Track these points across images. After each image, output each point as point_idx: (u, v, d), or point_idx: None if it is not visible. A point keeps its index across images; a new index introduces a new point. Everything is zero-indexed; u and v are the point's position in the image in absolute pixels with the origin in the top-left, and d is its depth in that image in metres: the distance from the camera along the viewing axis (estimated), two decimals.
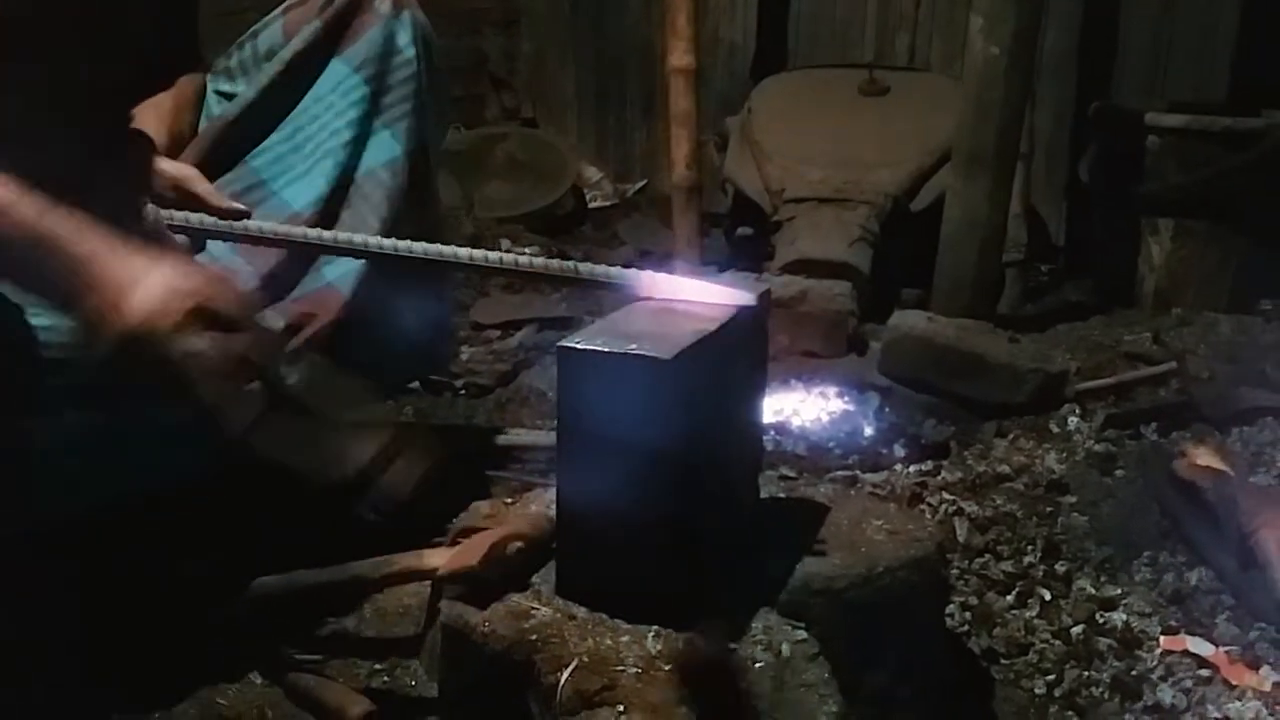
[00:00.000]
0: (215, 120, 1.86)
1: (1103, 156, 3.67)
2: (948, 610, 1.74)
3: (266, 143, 1.84)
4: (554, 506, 1.36)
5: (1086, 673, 1.68)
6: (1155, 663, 1.70)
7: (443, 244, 1.57)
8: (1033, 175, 3.71)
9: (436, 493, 1.73)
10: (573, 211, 4.50)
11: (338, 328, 1.75)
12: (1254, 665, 1.68)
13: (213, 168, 1.77)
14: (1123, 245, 3.61)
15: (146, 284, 1.27)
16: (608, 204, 4.70)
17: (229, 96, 1.89)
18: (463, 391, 2.72)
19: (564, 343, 1.25)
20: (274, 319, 1.68)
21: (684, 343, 1.25)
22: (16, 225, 1.24)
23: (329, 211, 1.80)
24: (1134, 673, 1.68)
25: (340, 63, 1.83)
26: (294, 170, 1.82)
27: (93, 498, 1.48)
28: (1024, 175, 3.50)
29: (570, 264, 1.57)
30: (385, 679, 1.55)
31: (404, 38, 1.86)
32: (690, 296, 1.40)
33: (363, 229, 1.73)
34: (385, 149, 1.84)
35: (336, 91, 1.83)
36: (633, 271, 1.47)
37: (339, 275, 1.78)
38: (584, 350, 1.24)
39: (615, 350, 1.22)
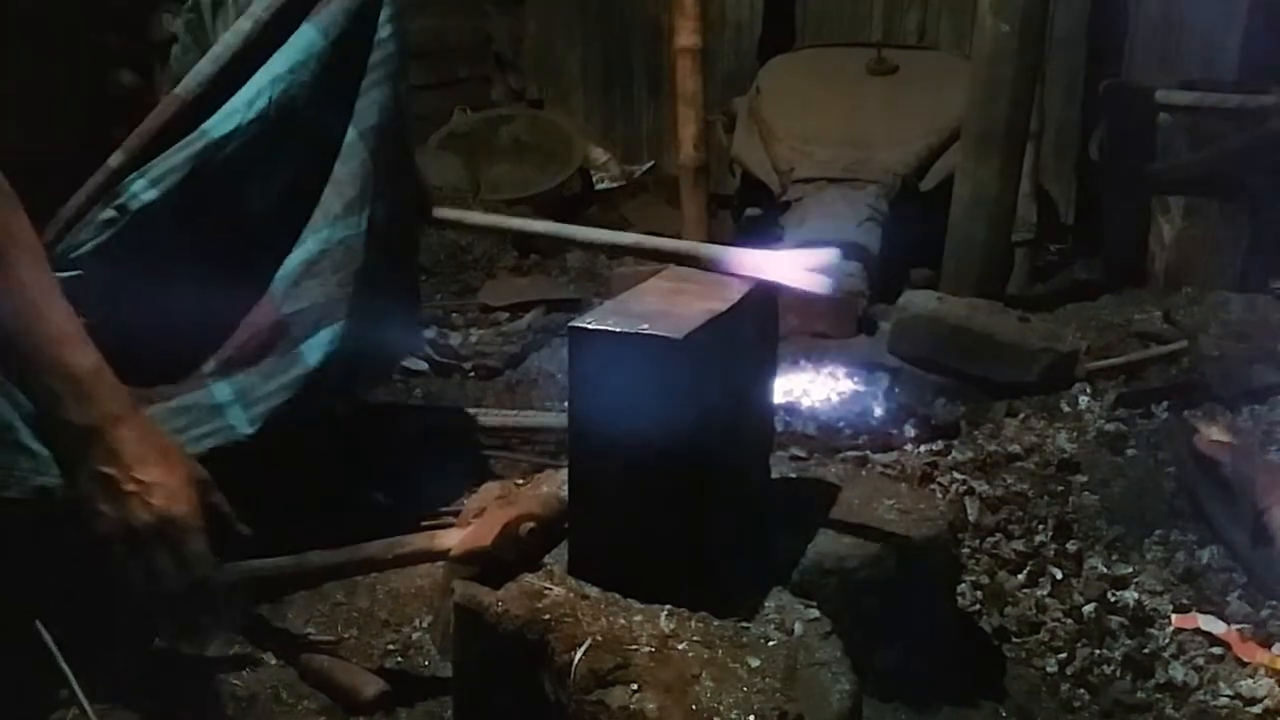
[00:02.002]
0: (173, 96, 1.68)
1: (1113, 135, 3.66)
2: (959, 589, 1.74)
3: (226, 107, 1.69)
4: (565, 487, 1.36)
5: (1098, 651, 1.69)
6: (1167, 641, 1.70)
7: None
8: (1042, 154, 3.70)
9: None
10: (579, 193, 4.49)
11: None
12: (1266, 643, 1.68)
13: (167, 139, 1.64)
14: (1133, 224, 3.59)
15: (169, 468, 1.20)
16: (615, 185, 4.69)
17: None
18: (472, 374, 2.72)
19: (575, 323, 1.25)
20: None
21: (695, 323, 1.24)
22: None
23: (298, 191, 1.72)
24: (1146, 651, 1.68)
25: (311, 28, 1.71)
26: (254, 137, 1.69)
27: None
28: (1033, 154, 3.48)
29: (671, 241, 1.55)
30: (399, 659, 1.56)
31: (384, 14, 1.77)
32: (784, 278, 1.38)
33: (334, 208, 1.70)
34: (363, 119, 1.75)
35: (306, 57, 1.71)
36: (734, 249, 1.44)
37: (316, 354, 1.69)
38: (595, 330, 1.23)
39: (627, 330, 1.22)
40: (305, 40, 1.71)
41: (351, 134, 1.74)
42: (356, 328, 1.70)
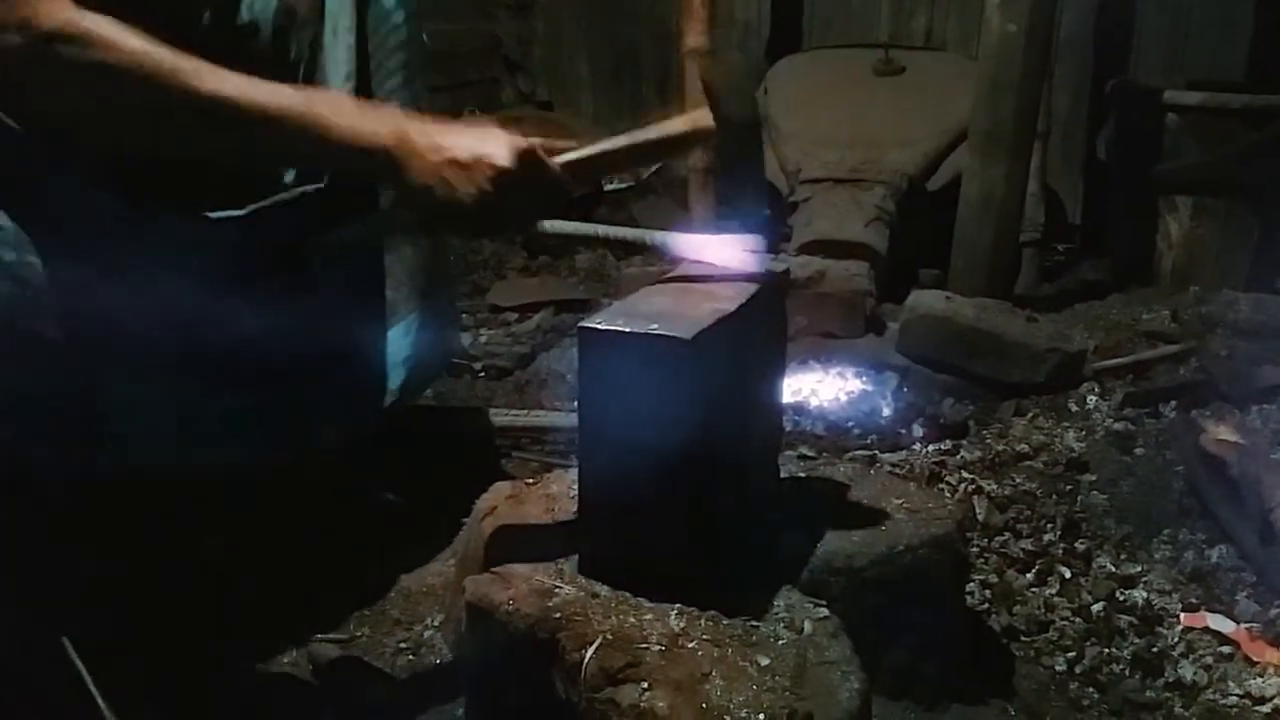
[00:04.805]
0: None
1: (1120, 135, 3.66)
2: (968, 588, 1.75)
3: None
4: (575, 486, 1.37)
5: (1107, 650, 1.69)
6: (1176, 640, 1.70)
7: None
8: (1049, 154, 3.69)
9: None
10: (588, 194, 4.49)
11: None
12: (1275, 642, 1.68)
13: None
14: (1140, 223, 3.59)
15: (493, 134, 1.30)
16: (623, 186, 4.69)
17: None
18: (482, 374, 2.73)
19: (585, 323, 1.26)
20: None
21: (704, 323, 1.25)
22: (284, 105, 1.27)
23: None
24: (1155, 650, 1.68)
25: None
26: None
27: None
28: (1041, 154, 3.48)
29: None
30: (410, 657, 1.57)
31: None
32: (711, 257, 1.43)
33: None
34: None
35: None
36: (669, 234, 1.49)
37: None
38: (605, 330, 1.24)
39: (636, 330, 1.23)
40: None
41: None
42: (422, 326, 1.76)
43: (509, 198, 1.29)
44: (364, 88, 1.70)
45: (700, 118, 1.37)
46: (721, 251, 1.44)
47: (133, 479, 1.46)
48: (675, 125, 1.38)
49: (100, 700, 1.32)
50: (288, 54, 1.65)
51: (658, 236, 1.51)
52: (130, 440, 1.45)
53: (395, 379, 1.75)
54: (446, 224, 1.41)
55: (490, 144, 1.30)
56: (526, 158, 1.30)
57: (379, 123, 1.30)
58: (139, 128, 1.26)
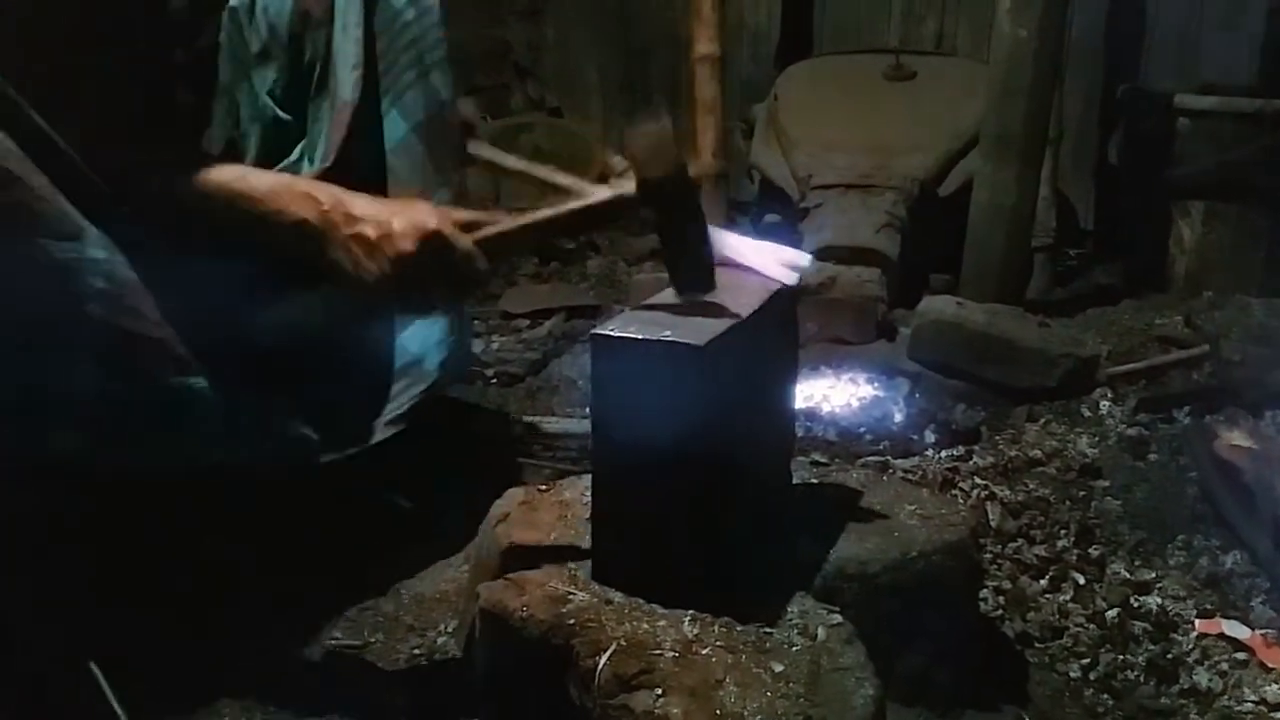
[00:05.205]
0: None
1: (1132, 139, 3.65)
2: (981, 594, 1.74)
3: None
4: (588, 492, 1.37)
5: (1121, 656, 1.68)
6: (1191, 646, 1.69)
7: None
8: (1061, 159, 3.69)
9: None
10: None
11: None
12: None
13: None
14: (1153, 228, 3.59)
15: (406, 211, 1.33)
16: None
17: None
18: (494, 380, 2.74)
19: (598, 330, 1.26)
20: None
21: (716, 330, 1.25)
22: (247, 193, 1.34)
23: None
24: (1169, 656, 1.67)
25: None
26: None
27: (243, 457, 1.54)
28: (1052, 159, 3.48)
29: None
30: (424, 663, 1.57)
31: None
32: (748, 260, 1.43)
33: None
34: (395, 129, 1.78)
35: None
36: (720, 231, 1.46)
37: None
38: (617, 337, 1.24)
39: (649, 337, 1.23)
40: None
41: (404, 127, 1.77)
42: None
43: (412, 279, 1.32)
44: (371, 79, 1.71)
45: (623, 186, 1.36)
46: (763, 259, 1.44)
47: (193, 477, 1.48)
48: (598, 195, 1.37)
49: (115, 703, 1.33)
50: (303, 56, 1.67)
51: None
52: (207, 439, 1.49)
53: (427, 372, 1.77)
54: (359, 297, 1.40)
55: (398, 223, 1.32)
56: (430, 239, 1.32)
57: (304, 196, 1.36)
58: None
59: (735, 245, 1.46)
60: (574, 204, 1.39)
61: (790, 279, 1.43)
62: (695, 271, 1.33)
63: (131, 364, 1.38)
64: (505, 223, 1.37)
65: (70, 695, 1.36)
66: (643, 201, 1.34)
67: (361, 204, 1.35)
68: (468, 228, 1.35)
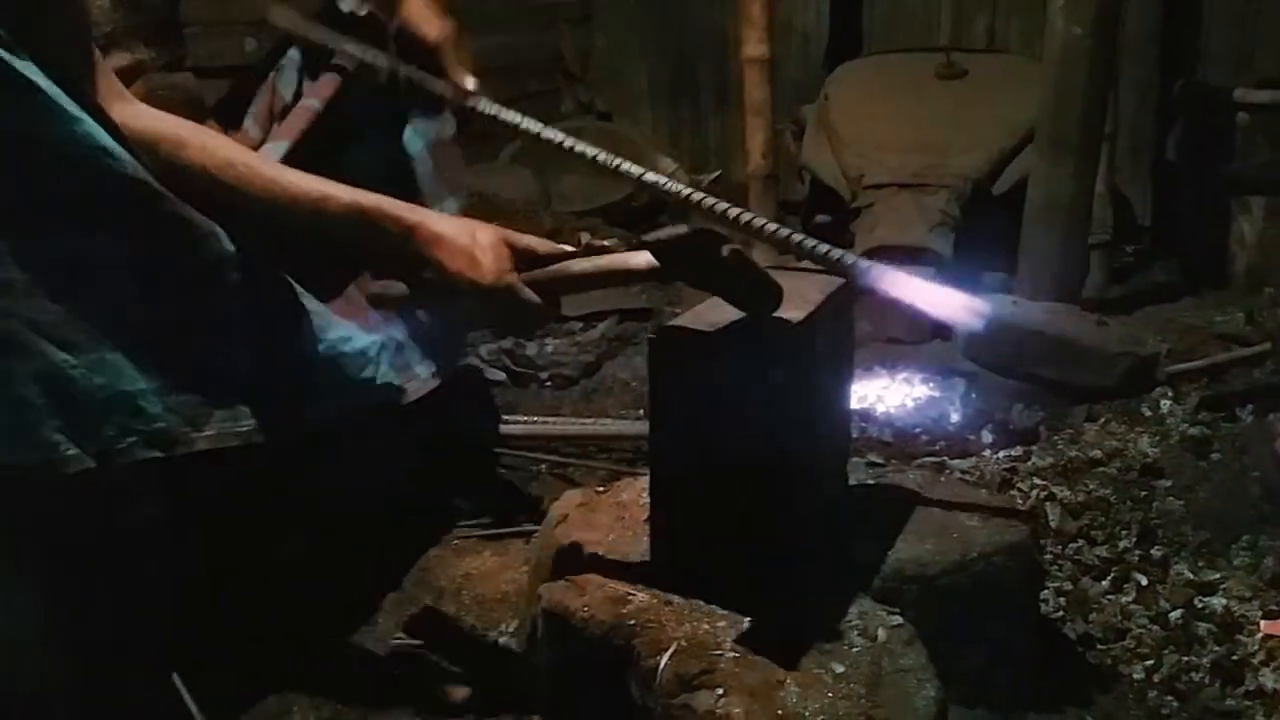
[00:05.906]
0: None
1: (1189, 135, 3.60)
2: (1042, 596, 1.73)
3: None
4: (646, 493, 1.38)
5: (1186, 658, 1.66)
6: (1256, 647, 1.67)
7: None
8: (1117, 155, 3.64)
9: None
10: (648, 203, 4.51)
11: None
12: None
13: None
14: (1212, 224, 3.53)
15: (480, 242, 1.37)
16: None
17: None
18: (548, 383, 2.76)
19: (657, 327, 1.27)
20: None
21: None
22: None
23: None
24: (1234, 657, 1.65)
25: None
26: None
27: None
28: (1108, 156, 3.43)
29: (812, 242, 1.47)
30: (486, 662, 1.58)
31: None
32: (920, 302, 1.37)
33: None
34: (413, 144, 1.92)
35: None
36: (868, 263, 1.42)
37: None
38: (679, 335, 1.26)
39: (711, 329, 1.24)
40: None
41: (419, 144, 1.89)
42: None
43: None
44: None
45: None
46: (946, 303, 1.38)
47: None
48: (638, 260, 1.37)
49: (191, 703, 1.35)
50: None
51: (857, 262, 1.41)
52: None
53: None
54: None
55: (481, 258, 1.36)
56: (500, 293, 1.36)
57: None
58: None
59: (918, 290, 1.39)
60: (616, 261, 1.41)
61: (977, 325, 1.38)
62: (756, 305, 1.30)
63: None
64: (561, 267, 1.40)
65: (154, 708, 1.39)
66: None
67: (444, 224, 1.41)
68: (523, 254, 1.38)
